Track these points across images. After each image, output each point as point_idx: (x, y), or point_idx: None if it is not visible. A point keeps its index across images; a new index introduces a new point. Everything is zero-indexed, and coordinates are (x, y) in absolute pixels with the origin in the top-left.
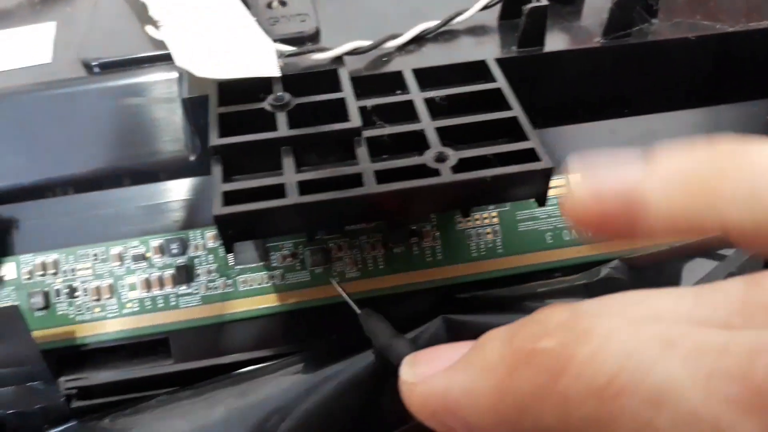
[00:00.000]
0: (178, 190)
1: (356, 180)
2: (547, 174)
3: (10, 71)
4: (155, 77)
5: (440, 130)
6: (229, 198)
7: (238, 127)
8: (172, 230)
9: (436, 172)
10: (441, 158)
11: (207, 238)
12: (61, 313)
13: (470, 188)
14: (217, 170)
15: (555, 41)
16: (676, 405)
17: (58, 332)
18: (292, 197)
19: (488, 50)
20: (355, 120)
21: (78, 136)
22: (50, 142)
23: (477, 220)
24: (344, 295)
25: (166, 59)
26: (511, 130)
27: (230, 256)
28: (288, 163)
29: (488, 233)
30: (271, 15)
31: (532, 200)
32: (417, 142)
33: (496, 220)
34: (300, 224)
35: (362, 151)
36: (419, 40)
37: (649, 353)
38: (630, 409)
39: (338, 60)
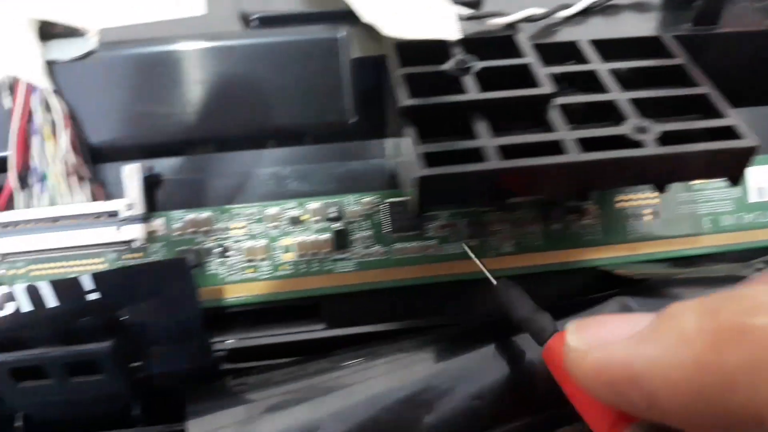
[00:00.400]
0: (335, 154)
1: (554, 147)
2: (751, 152)
3: (163, 22)
4: (318, 35)
5: (632, 102)
6: (429, 160)
7: (422, 89)
8: (330, 194)
9: (636, 144)
10: (642, 130)
11: (364, 203)
12: (211, 272)
13: (675, 163)
14: (411, 131)
15: (729, 22)
16: None
17: (208, 292)
18: (501, 162)
19: (658, 26)
20: (545, 86)
21: (232, 93)
22: (204, 98)
23: (637, 200)
24: (479, 263)
25: (328, 17)
26: (701, 106)
27: (386, 224)
28: (482, 127)
29: (648, 213)
30: None
31: (692, 182)
32: (607, 113)
33: (656, 201)
34: (500, 190)
35: (557, 118)
36: (587, 12)
37: None
38: None
39: (512, 26)
